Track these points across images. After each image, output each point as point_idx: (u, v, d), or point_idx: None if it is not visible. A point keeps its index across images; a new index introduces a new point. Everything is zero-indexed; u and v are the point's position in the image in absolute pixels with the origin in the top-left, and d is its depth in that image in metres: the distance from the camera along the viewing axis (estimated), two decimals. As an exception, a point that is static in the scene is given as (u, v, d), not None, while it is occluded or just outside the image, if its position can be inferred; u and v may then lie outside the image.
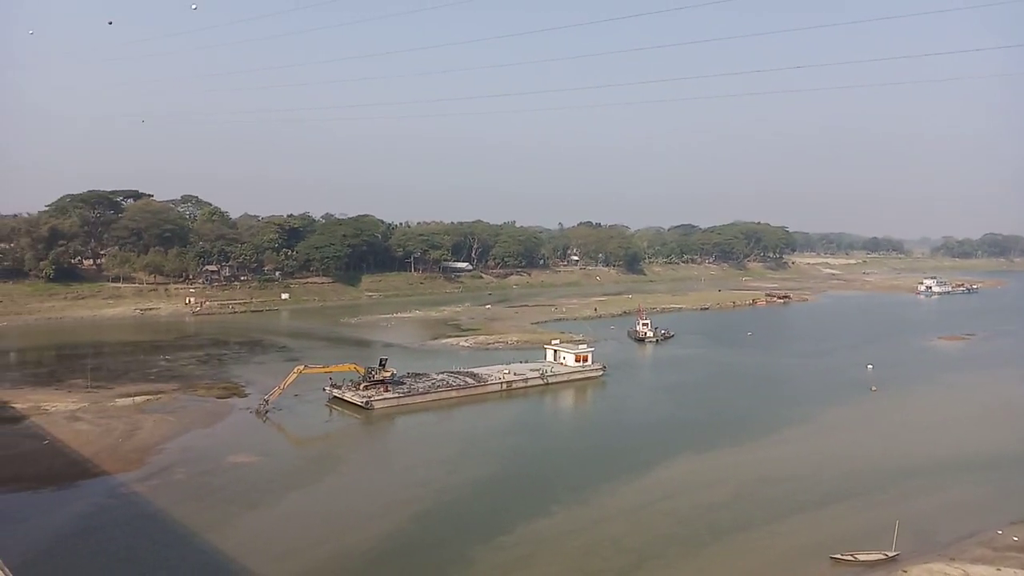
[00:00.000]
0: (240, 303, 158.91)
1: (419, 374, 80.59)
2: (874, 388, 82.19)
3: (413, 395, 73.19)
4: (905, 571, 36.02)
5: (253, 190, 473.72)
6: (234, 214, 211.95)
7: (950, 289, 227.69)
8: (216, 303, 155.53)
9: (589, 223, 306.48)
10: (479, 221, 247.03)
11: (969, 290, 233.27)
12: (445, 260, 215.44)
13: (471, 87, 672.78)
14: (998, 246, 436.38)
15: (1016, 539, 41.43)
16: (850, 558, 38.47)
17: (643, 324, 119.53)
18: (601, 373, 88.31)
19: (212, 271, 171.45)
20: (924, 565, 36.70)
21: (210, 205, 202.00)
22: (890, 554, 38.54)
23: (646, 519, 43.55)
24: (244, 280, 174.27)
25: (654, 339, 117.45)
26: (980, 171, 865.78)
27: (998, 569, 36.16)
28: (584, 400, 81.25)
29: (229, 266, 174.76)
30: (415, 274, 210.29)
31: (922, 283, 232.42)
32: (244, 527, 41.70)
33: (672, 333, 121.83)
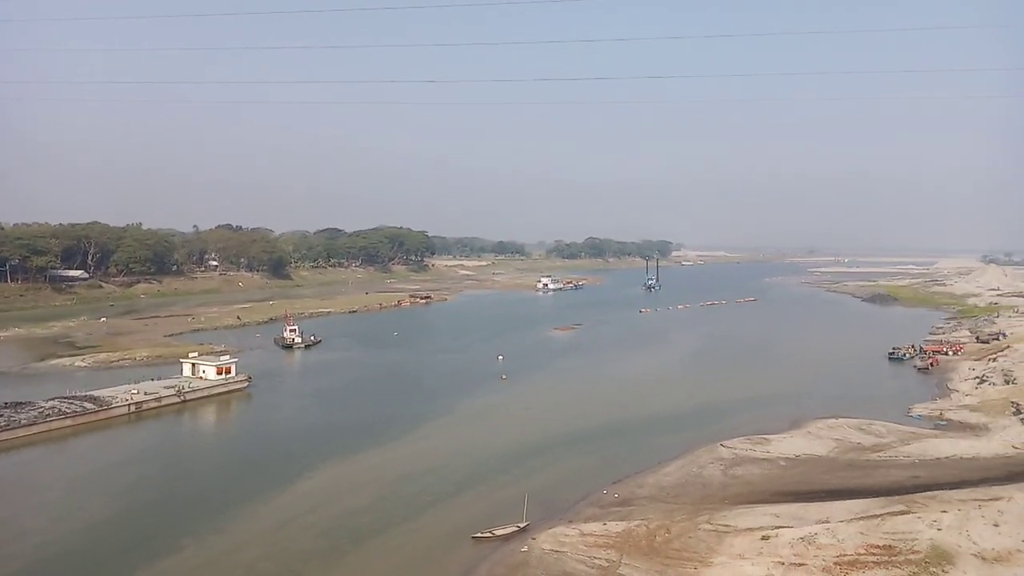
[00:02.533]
0: None
1: (21, 403, 67.47)
2: (504, 377, 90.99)
3: (13, 428, 61.31)
4: (534, 538, 40.52)
5: None
6: None
7: (562, 286, 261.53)
8: None
9: (229, 226, 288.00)
10: (96, 222, 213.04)
11: (576, 287, 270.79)
12: (53, 268, 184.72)
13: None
14: (597, 248, 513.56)
15: (617, 496, 49.34)
16: (488, 535, 42.14)
17: (290, 330, 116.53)
18: (246, 384, 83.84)
19: None
20: (549, 531, 41.61)
21: None
22: (522, 525, 43.10)
23: (286, 537, 41.99)
24: None
25: (302, 345, 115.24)
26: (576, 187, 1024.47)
27: (604, 524, 42.54)
28: (227, 415, 76.36)
29: None
30: (13, 285, 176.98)
31: (540, 281, 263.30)
32: None
33: (320, 338, 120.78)
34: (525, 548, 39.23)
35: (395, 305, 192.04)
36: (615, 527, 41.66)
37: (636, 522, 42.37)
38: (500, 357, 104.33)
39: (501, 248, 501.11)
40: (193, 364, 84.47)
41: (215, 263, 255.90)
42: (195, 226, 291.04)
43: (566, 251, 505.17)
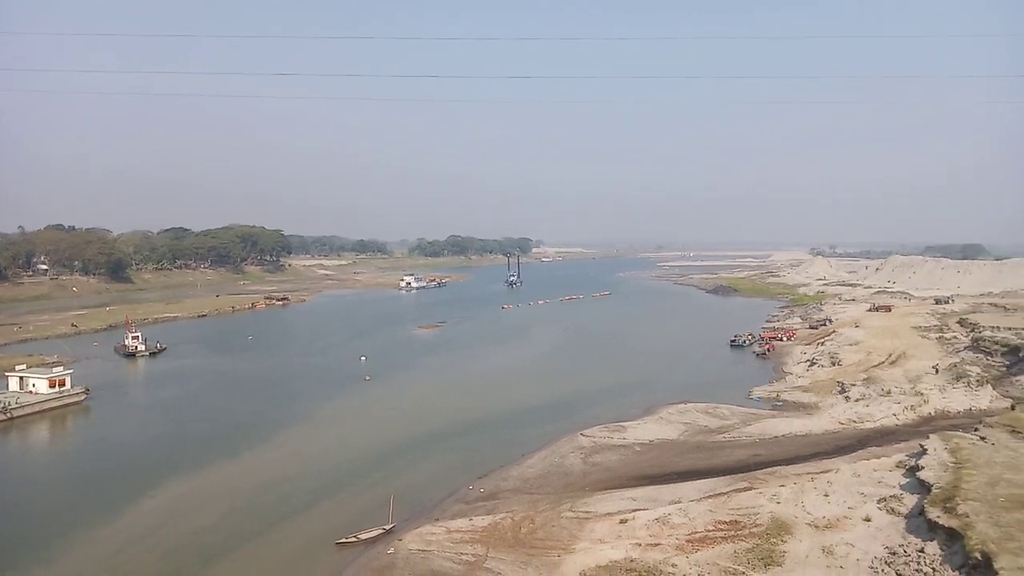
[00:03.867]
0: None
1: None
2: (368, 378, 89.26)
3: None
4: (400, 539, 39.98)
5: None
6: None
7: (426, 284, 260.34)
8: None
9: (60, 226, 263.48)
10: None
11: (440, 284, 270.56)
12: None
13: None
14: (459, 246, 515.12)
15: (482, 490, 49.72)
16: (354, 539, 41.19)
17: (132, 337, 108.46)
18: (84, 397, 77.16)
19: None
20: (416, 530, 41.21)
21: None
22: (388, 527, 42.45)
23: (125, 562, 39.06)
24: None
25: (146, 352, 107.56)
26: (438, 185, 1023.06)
27: (470, 519, 42.71)
28: (62, 432, 69.96)
29: None
30: None
31: (403, 280, 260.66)
32: None
33: (166, 345, 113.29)
34: (391, 550, 38.65)
35: (249, 308, 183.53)
36: (481, 521, 41.93)
37: (502, 515, 42.86)
38: (363, 358, 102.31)
39: (362, 247, 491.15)
40: (21, 377, 76.77)
41: (45, 267, 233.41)
42: (20, 227, 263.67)
43: (429, 249, 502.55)
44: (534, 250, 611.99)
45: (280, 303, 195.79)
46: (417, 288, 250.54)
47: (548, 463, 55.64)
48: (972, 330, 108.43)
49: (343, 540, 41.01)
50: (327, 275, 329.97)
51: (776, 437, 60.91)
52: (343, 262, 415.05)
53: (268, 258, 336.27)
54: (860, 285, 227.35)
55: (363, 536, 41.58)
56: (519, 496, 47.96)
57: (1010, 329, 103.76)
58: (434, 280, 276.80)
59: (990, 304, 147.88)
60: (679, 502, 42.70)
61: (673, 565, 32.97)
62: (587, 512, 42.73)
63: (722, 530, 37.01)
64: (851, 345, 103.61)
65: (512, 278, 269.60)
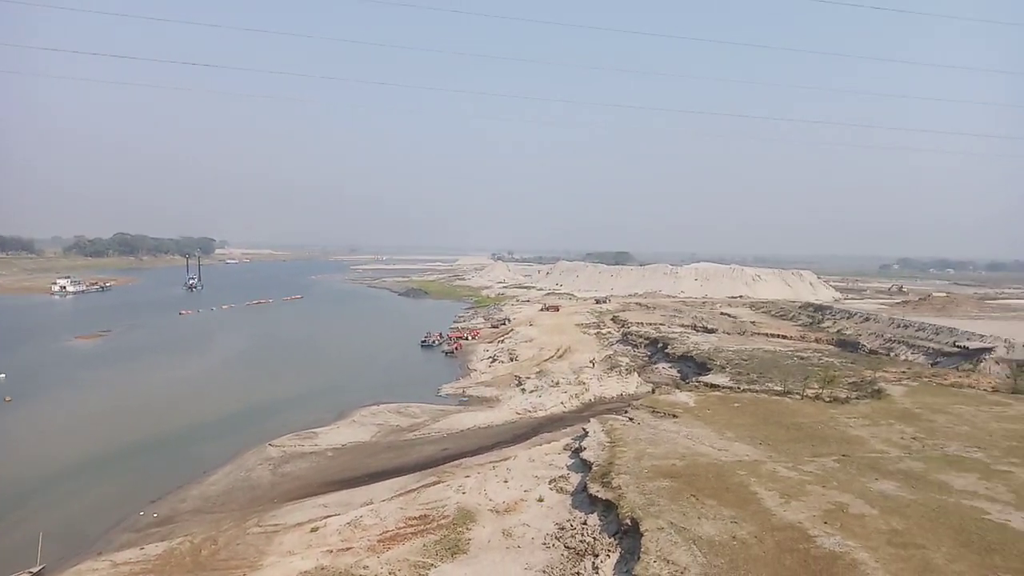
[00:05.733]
0: None
1: None
2: (8, 399, 75.90)
3: None
4: (51, 583, 34.77)
5: None
6: None
7: (85, 288, 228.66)
8: None
9: None
10: None
11: (103, 288, 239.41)
12: None
13: None
14: (128, 245, 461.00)
15: (156, 515, 45.14)
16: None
17: None
18: None
19: None
20: (72, 569, 36.09)
21: None
22: (35, 570, 36.46)
23: None
24: None
25: None
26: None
27: (141, 548, 38.53)
28: None
29: None
30: None
31: (56, 283, 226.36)
32: None
33: None
34: (38, 597, 33.33)
35: None
36: (154, 549, 38.11)
37: (179, 539, 39.39)
38: (1, 376, 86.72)
39: (1, 244, 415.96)
40: None
41: None
42: None
43: (90, 248, 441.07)
44: (218, 251, 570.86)
45: None
46: (75, 293, 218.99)
47: (233, 478, 52.41)
48: (622, 326, 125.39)
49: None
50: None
51: (463, 431, 64.42)
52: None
53: None
54: (534, 287, 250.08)
55: (4, 585, 35.30)
56: (200, 517, 44.50)
57: (651, 324, 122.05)
58: (96, 283, 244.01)
59: (636, 303, 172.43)
60: (371, 503, 43.07)
61: (364, 567, 33.13)
62: (276, 525, 41.14)
63: (412, 525, 38.12)
64: (526, 342, 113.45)
65: (192, 281, 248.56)
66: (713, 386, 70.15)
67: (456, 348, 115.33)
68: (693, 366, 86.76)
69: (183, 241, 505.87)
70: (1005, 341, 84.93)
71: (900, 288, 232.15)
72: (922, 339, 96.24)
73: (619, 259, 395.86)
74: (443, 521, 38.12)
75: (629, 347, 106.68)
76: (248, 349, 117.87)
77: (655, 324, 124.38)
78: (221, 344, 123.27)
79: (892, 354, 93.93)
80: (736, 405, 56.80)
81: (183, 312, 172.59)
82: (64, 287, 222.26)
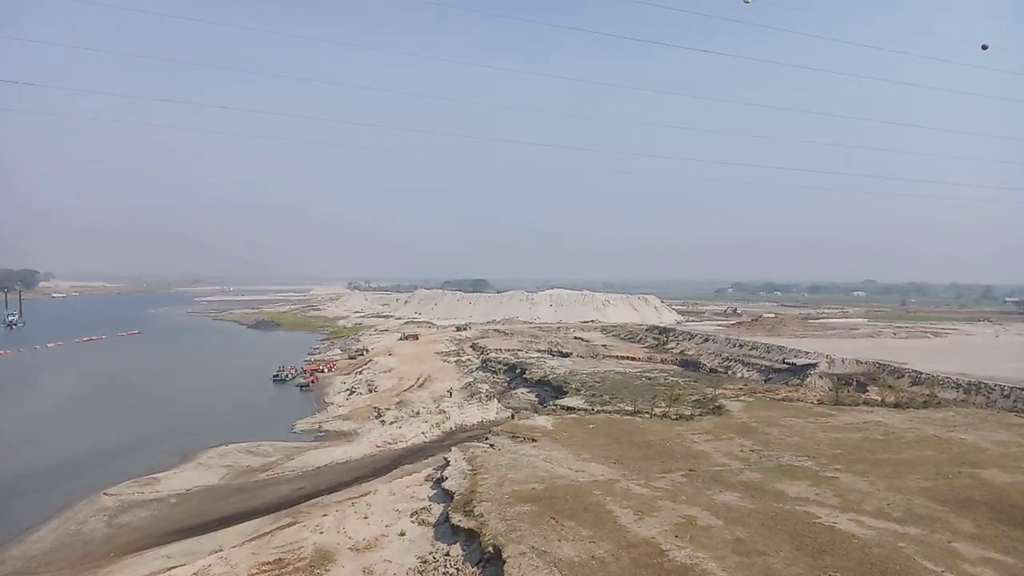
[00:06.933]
0: None
1: None
2: None
3: None
4: None
5: None
6: None
7: None
8: None
9: None
10: None
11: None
12: None
13: None
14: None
15: None
16: None
17: None
18: None
19: None
20: None
21: None
22: None
23: None
24: None
25: None
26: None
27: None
28: None
29: None
30: None
31: None
32: None
33: None
34: None
35: None
36: (-36, 623, 33.88)
37: (-5, 609, 35.28)
38: None
39: None
40: None
41: None
42: None
43: None
44: (43, 284, 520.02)
45: None
46: None
47: (62, 533, 47.66)
48: (481, 353, 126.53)
49: None
50: None
51: (319, 468, 62.21)
52: None
53: None
54: (392, 316, 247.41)
55: None
56: (20, 580, 40.08)
57: (509, 351, 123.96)
58: None
59: (495, 330, 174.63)
60: (220, 550, 40.50)
61: (215, 619, 31.11)
62: (112, 582, 37.80)
63: (266, 571, 36.25)
64: (385, 372, 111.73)
65: (12, 318, 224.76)
66: (569, 409, 72.21)
67: (312, 381, 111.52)
68: (550, 390, 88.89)
69: (0, 273, 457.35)
70: (827, 357, 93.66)
71: (735, 310, 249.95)
72: (756, 357, 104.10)
73: (477, 287, 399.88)
74: (299, 564, 36.55)
75: (489, 373, 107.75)
76: (78, 391, 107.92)
77: (513, 350, 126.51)
78: (47, 386, 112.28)
79: (730, 372, 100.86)
80: (591, 426, 58.78)
81: (0, 352, 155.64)
82: None
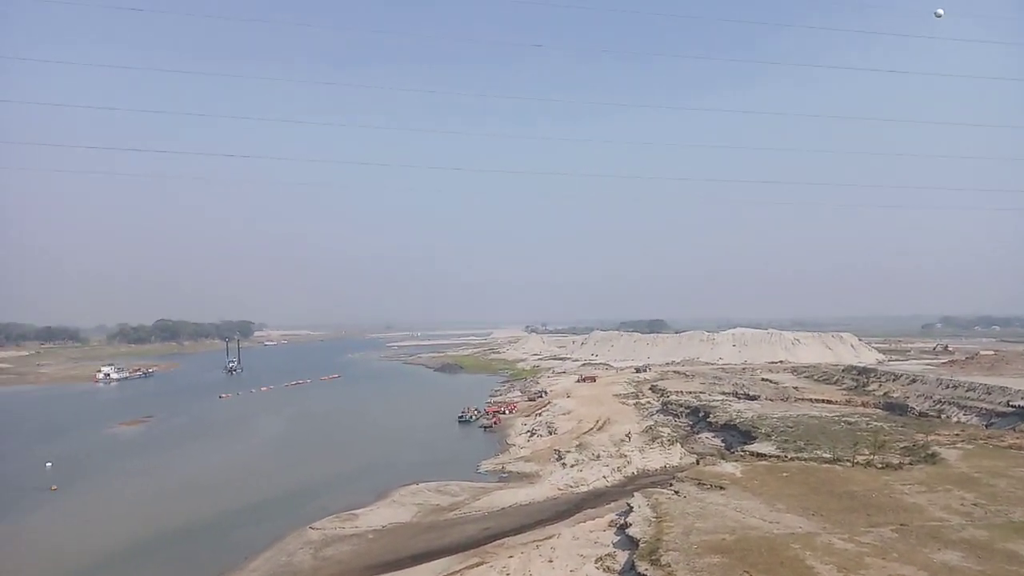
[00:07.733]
0: None
1: None
2: (55, 487, 76.79)
3: None
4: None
5: None
6: None
7: (128, 375, 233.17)
8: None
9: None
10: None
11: (146, 374, 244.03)
12: None
13: None
14: (170, 331, 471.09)
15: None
16: None
17: None
18: None
19: None
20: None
21: None
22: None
23: None
24: None
25: None
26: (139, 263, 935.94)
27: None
28: None
29: None
30: None
31: (100, 371, 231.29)
32: None
33: None
34: None
35: None
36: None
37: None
38: (48, 464, 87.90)
39: (49, 334, 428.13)
40: None
41: None
42: None
43: (133, 335, 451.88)
44: (256, 334, 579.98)
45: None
46: (119, 379, 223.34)
47: (274, 563, 51.89)
48: (661, 395, 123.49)
49: None
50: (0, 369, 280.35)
51: (503, 509, 63.21)
52: (23, 353, 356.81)
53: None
54: (569, 358, 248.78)
55: None
56: (242, 605, 43.92)
57: (690, 393, 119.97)
58: (139, 370, 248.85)
59: (674, 372, 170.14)
60: (414, 587, 42.18)
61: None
62: (318, 612, 40.38)
63: (457, 610, 37.15)
64: (564, 414, 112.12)
65: (232, 364, 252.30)
66: (759, 455, 68.28)
67: (495, 423, 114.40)
68: (737, 435, 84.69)
69: (223, 325, 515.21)
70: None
71: (946, 347, 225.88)
72: (974, 399, 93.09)
73: (653, 327, 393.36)
74: (488, 604, 37.11)
75: (670, 417, 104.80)
76: (287, 431, 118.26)
77: (695, 392, 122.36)
78: (260, 427, 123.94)
79: (943, 416, 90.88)
80: (784, 474, 55.15)
81: (223, 396, 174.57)
82: (108, 374, 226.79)
